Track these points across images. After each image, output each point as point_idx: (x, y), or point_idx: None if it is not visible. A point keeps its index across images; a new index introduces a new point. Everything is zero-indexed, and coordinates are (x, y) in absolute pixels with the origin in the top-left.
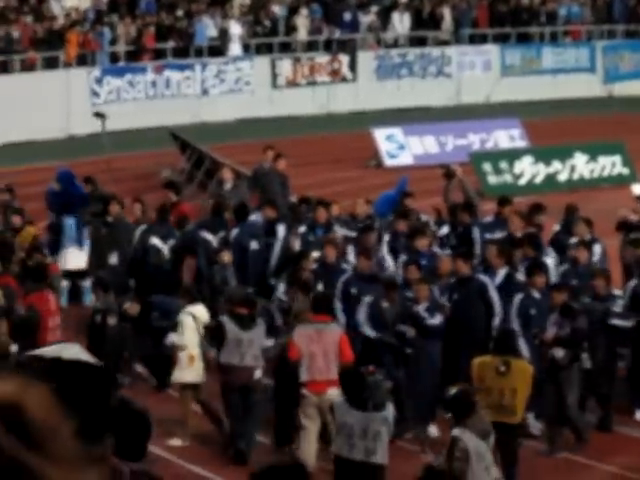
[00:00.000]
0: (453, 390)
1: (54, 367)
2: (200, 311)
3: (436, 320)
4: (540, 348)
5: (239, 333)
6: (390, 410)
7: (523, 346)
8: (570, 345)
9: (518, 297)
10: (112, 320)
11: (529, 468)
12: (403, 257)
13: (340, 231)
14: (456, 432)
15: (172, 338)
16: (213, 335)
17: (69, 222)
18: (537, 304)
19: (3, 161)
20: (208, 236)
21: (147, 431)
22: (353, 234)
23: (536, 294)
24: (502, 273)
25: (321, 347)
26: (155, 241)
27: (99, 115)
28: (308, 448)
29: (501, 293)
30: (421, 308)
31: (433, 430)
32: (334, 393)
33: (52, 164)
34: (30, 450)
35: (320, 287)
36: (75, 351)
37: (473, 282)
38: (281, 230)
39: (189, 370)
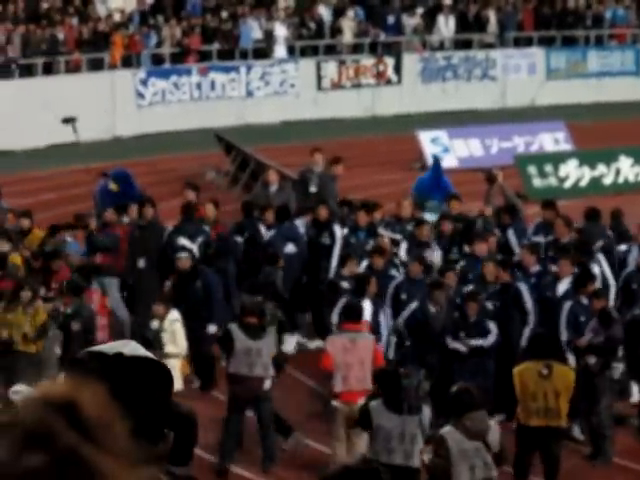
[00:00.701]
0: (454, 388)
1: (117, 363)
2: (178, 316)
3: (488, 340)
4: (575, 354)
5: (248, 342)
6: (427, 413)
7: (570, 354)
8: (602, 353)
9: (567, 304)
10: (76, 326)
11: (572, 472)
12: (462, 263)
13: (385, 233)
14: (444, 430)
15: (169, 348)
16: (222, 344)
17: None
18: (586, 311)
19: (49, 162)
20: (239, 239)
21: (194, 434)
22: (398, 236)
23: (585, 301)
24: (568, 281)
25: (357, 356)
26: (183, 241)
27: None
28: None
29: (565, 300)
30: (474, 340)
31: None
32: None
33: (97, 165)
34: (87, 444)
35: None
36: (134, 347)
37: (510, 289)
38: (338, 230)
39: (178, 377)
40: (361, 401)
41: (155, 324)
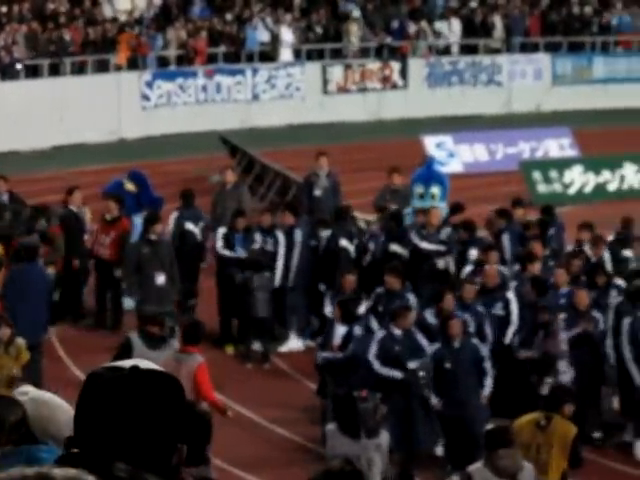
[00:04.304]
0: (490, 425)
1: (134, 376)
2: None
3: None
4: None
5: (147, 352)
6: (384, 437)
7: (635, 373)
8: (538, 367)
9: (627, 321)
10: None
11: None
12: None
13: (427, 246)
14: (472, 467)
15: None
16: (120, 352)
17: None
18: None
19: (54, 163)
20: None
21: (209, 434)
22: (441, 248)
23: None
24: None
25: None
26: (189, 226)
27: None
28: None
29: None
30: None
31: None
32: None
33: (103, 167)
34: None
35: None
36: (148, 363)
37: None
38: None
39: None
40: None
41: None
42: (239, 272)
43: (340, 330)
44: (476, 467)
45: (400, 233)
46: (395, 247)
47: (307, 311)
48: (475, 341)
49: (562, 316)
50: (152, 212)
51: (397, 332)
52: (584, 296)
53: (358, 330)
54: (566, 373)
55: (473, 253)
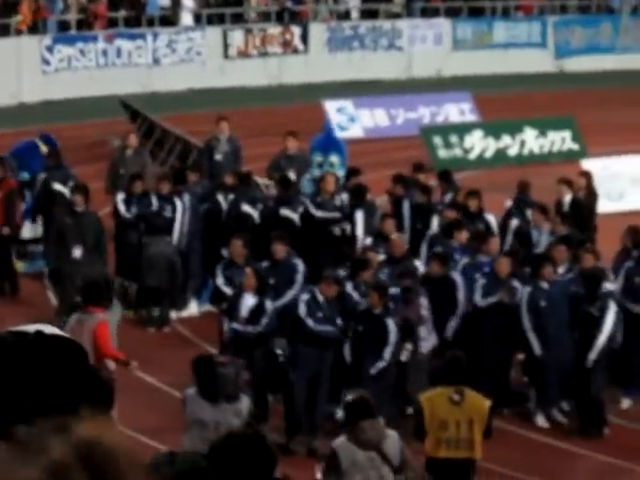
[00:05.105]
0: (350, 396)
1: (38, 340)
2: None
3: (387, 347)
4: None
5: None
6: (245, 402)
7: (534, 343)
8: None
9: (527, 290)
10: None
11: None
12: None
13: (320, 214)
14: (337, 442)
15: None
16: (69, 313)
17: None
18: (547, 295)
19: None
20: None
21: (111, 400)
22: (336, 215)
23: (545, 285)
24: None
25: (79, 339)
26: (58, 187)
27: None
28: None
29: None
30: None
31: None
32: None
33: (3, 131)
34: None
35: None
36: (52, 328)
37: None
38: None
39: None
40: None
41: None
42: (136, 234)
43: (249, 301)
44: (340, 441)
45: (290, 197)
46: (286, 212)
47: (203, 275)
48: (389, 322)
49: (481, 282)
50: (78, 182)
51: (320, 298)
52: (505, 263)
53: (270, 305)
54: (427, 340)
55: (359, 216)
